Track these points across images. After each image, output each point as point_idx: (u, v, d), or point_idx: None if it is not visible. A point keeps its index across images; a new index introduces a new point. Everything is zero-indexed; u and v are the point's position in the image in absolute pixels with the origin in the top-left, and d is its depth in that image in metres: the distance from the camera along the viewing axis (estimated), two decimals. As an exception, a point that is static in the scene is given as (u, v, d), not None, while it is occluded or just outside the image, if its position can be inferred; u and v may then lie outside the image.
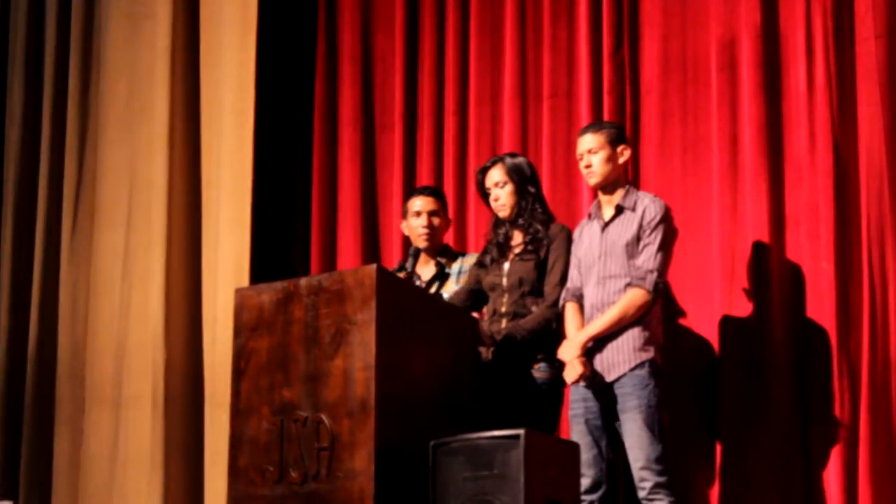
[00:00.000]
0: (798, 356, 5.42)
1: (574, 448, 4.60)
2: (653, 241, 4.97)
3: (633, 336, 4.92)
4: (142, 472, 6.75)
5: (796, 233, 5.51)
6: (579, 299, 5.12)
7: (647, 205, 5.03)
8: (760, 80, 5.65)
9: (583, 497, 4.84)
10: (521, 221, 5.32)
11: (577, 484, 4.59)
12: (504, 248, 5.36)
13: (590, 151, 5.11)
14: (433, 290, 5.56)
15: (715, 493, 5.46)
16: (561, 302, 5.17)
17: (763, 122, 5.61)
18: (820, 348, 5.37)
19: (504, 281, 5.29)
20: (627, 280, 4.97)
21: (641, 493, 4.84)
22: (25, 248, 7.45)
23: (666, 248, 5.01)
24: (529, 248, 5.27)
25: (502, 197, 5.35)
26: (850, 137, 5.44)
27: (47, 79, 7.54)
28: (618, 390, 4.91)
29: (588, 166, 5.12)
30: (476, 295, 5.42)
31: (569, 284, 5.17)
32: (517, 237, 5.34)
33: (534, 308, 5.20)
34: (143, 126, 7.20)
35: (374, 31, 6.89)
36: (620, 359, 4.92)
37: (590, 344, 4.96)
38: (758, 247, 5.52)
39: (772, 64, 5.67)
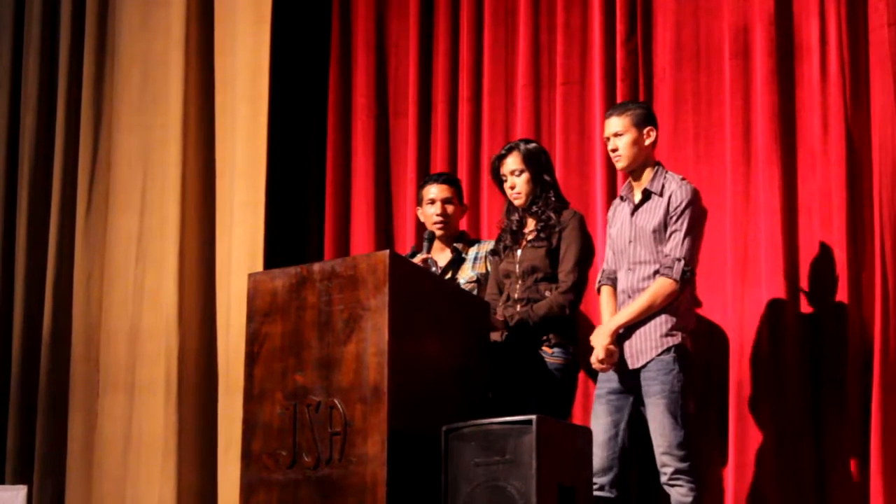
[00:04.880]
0: (810, 342, 5.44)
1: (586, 434, 4.62)
2: (680, 228, 4.95)
3: (659, 323, 4.93)
4: (155, 456, 6.77)
5: (809, 220, 5.52)
6: (614, 282, 5.13)
7: (674, 190, 5.01)
8: (773, 67, 5.64)
9: (594, 480, 4.85)
10: (534, 209, 5.33)
11: (590, 470, 4.60)
12: (517, 234, 5.37)
13: (615, 135, 5.09)
14: (449, 276, 5.57)
15: (728, 479, 5.48)
16: (597, 284, 5.21)
17: (776, 109, 5.61)
18: (832, 335, 5.38)
19: (517, 268, 5.30)
20: (656, 266, 4.96)
21: (663, 479, 4.84)
22: (40, 232, 7.46)
23: (693, 233, 4.98)
24: (541, 235, 5.28)
25: (518, 185, 5.36)
26: (862, 125, 5.44)
27: (62, 65, 7.54)
28: (643, 375, 4.92)
29: (614, 150, 5.10)
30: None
31: (604, 266, 5.20)
32: (530, 224, 5.36)
33: (547, 293, 5.21)
34: (158, 112, 7.21)
35: (388, 17, 6.89)
36: (647, 346, 4.92)
37: (620, 331, 4.97)
38: (770, 234, 5.53)
39: (785, 51, 5.67)
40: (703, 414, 5.53)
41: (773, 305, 5.48)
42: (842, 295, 5.35)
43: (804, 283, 5.48)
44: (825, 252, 5.44)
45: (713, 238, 5.64)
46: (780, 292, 5.48)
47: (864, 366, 5.28)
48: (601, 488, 4.91)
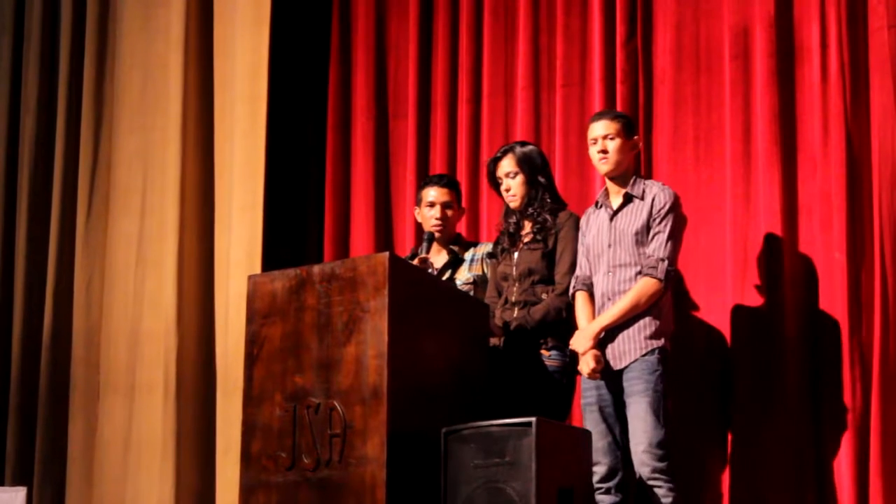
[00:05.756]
0: (810, 345, 5.43)
1: (586, 435, 4.62)
2: (663, 230, 4.98)
3: (643, 325, 4.93)
4: (154, 458, 6.78)
5: (809, 222, 5.52)
6: (589, 288, 5.13)
7: (656, 193, 5.04)
8: (773, 69, 5.64)
9: (600, 485, 4.87)
10: (530, 211, 5.34)
11: (589, 471, 4.61)
12: (514, 237, 5.38)
13: (605, 137, 5.11)
14: (445, 277, 5.57)
15: (726, 481, 5.47)
16: (571, 290, 5.18)
17: (776, 111, 5.60)
18: (832, 337, 5.37)
19: (513, 270, 5.30)
20: (637, 268, 4.97)
21: (640, 477, 4.84)
22: (40, 235, 7.46)
23: (676, 236, 5.01)
24: (537, 237, 5.29)
25: (513, 187, 5.37)
26: (862, 127, 5.44)
27: (62, 67, 7.54)
28: (626, 375, 4.92)
29: (603, 151, 5.11)
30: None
31: (578, 272, 5.18)
32: (527, 226, 5.36)
33: (544, 296, 5.21)
34: (158, 114, 7.21)
35: (388, 19, 6.89)
36: (631, 347, 4.93)
37: (602, 334, 4.97)
38: (770, 236, 5.52)
39: (785, 53, 5.67)
40: (703, 416, 5.53)
41: (773, 307, 5.48)
42: (842, 296, 5.34)
43: (804, 286, 5.47)
44: (825, 254, 5.44)
45: (713, 240, 5.65)
46: (779, 294, 5.48)
47: (863, 367, 5.28)
48: (607, 492, 4.91)
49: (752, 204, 5.62)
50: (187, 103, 7.04)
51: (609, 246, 5.06)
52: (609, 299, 5.01)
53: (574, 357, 5.14)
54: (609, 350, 4.96)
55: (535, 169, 5.37)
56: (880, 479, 5.14)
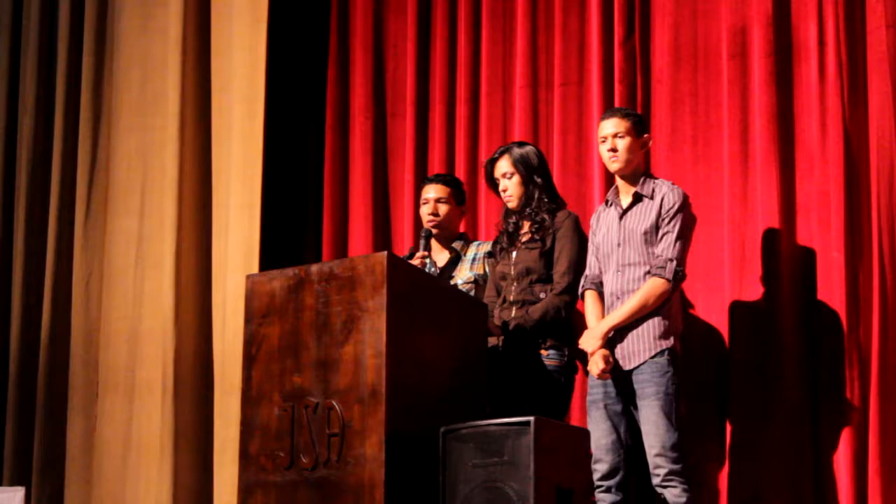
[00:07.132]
0: (808, 344, 5.42)
1: (584, 435, 4.62)
2: (672, 230, 4.97)
3: (653, 325, 4.92)
4: (153, 458, 6.78)
5: (807, 221, 5.51)
6: (598, 287, 5.12)
7: (666, 193, 5.03)
8: (771, 68, 5.64)
9: (600, 483, 4.87)
10: (528, 211, 5.34)
11: (588, 470, 4.62)
12: (513, 237, 5.38)
13: (615, 135, 5.10)
14: (447, 276, 5.57)
15: (725, 478, 5.47)
16: (580, 290, 5.18)
17: (774, 110, 5.60)
18: (830, 336, 5.36)
19: (512, 270, 5.31)
20: (646, 268, 4.97)
21: (655, 480, 4.83)
22: (39, 234, 7.46)
23: (685, 236, 5.00)
24: (535, 237, 5.29)
25: (510, 188, 5.37)
26: (860, 126, 5.44)
27: (60, 67, 7.54)
28: (636, 377, 4.91)
29: (613, 149, 5.10)
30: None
31: (587, 272, 5.18)
32: (525, 226, 5.36)
33: (542, 295, 5.21)
34: (156, 113, 7.21)
35: (386, 18, 6.89)
36: (640, 347, 4.92)
37: (611, 334, 4.96)
38: (768, 235, 5.52)
39: (783, 52, 5.66)
40: (701, 415, 5.53)
41: (771, 307, 5.47)
42: (840, 296, 5.34)
43: (802, 285, 5.47)
44: (823, 253, 5.43)
45: (711, 239, 5.64)
46: (778, 294, 5.47)
47: (862, 365, 5.28)
48: (608, 490, 4.91)
49: (749, 203, 5.62)
50: (185, 103, 7.05)
51: (618, 245, 5.06)
52: (618, 298, 5.01)
53: (572, 356, 5.14)
54: (618, 350, 4.96)
55: (531, 169, 5.37)
56: (879, 478, 5.14)
